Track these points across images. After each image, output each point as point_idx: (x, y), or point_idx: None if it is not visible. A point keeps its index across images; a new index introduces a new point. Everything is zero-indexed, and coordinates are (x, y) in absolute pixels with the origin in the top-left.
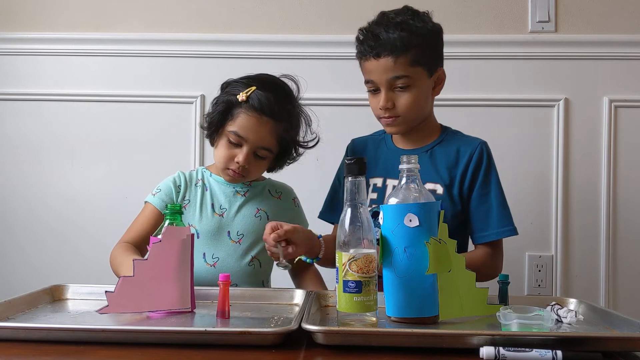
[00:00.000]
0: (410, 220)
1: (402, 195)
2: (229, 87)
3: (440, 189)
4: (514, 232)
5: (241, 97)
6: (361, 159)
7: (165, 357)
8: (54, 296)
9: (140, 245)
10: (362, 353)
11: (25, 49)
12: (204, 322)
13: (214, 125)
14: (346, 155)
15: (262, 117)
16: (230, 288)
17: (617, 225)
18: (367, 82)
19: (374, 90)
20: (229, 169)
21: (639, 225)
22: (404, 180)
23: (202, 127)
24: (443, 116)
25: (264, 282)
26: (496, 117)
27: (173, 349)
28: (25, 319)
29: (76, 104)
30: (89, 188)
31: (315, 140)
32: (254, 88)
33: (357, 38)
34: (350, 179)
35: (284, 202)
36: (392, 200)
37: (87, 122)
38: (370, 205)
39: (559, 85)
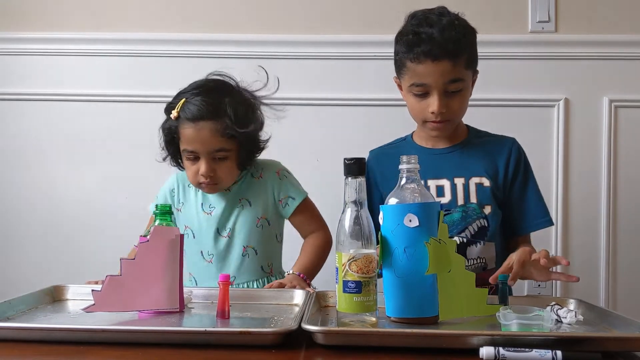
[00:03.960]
0: (410, 221)
1: (402, 196)
2: (167, 111)
3: (486, 182)
4: (550, 222)
5: (174, 115)
6: (361, 159)
7: (165, 357)
8: (55, 296)
9: None
10: (362, 353)
11: (26, 49)
12: (204, 322)
13: (170, 152)
14: (368, 168)
15: (197, 123)
16: (230, 288)
17: (617, 225)
18: (415, 85)
19: (422, 94)
20: (200, 183)
21: (639, 226)
22: (403, 181)
23: (163, 159)
24: None
25: (265, 267)
26: (496, 117)
27: (173, 349)
28: (26, 319)
29: (76, 104)
30: (89, 187)
31: (262, 120)
32: (182, 101)
33: (403, 41)
34: (350, 179)
35: (266, 179)
36: (392, 201)
37: (88, 122)
38: None
39: (559, 85)
